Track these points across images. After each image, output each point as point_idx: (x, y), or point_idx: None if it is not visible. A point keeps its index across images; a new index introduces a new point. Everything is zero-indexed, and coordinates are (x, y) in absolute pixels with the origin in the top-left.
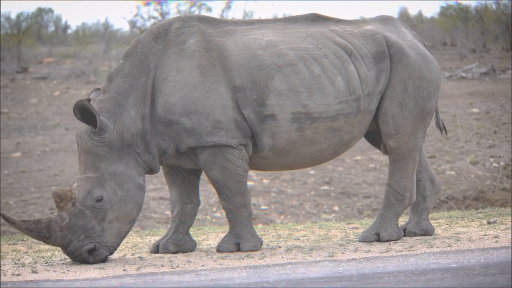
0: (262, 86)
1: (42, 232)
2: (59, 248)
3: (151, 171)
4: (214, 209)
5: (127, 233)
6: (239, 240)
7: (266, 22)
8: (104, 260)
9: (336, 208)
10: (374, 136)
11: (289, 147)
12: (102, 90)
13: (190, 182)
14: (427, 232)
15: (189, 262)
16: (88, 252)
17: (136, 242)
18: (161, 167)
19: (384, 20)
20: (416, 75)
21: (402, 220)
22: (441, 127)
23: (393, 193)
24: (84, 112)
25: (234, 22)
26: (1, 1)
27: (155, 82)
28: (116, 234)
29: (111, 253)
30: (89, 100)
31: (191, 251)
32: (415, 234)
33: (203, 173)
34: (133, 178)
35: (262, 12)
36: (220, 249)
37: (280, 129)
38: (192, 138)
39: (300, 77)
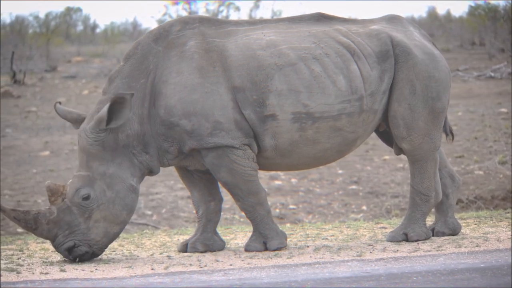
0: (262, 87)
1: (29, 223)
2: None
3: (151, 172)
4: None
5: (116, 234)
6: (265, 239)
7: (269, 22)
8: (83, 256)
9: (364, 207)
10: (389, 136)
11: (292, 147)
12: (103, 92)
13: (208, 180)
14: (455, 230)
15: (217, 261)
16: (68, 250)
17: (164, 241)
18: (176, 170)
19: (391, 19)
20: (423, 75)
21: (430, 220)
22: (447, 132)
23: (418, 194)
24: (115, 105)
25: (237, 23)
26: (2, 1)
27: (155, 84)
28: (102, 234)
29: (96, 254)
30: (132, 94)
31: (220, 250)
32: (443, 234)
33: None
34: (125, 180)
35: (291, 11)
36: (248, 248)
37: (282, 129)
38: (193, 140)
39: (300, 76)
